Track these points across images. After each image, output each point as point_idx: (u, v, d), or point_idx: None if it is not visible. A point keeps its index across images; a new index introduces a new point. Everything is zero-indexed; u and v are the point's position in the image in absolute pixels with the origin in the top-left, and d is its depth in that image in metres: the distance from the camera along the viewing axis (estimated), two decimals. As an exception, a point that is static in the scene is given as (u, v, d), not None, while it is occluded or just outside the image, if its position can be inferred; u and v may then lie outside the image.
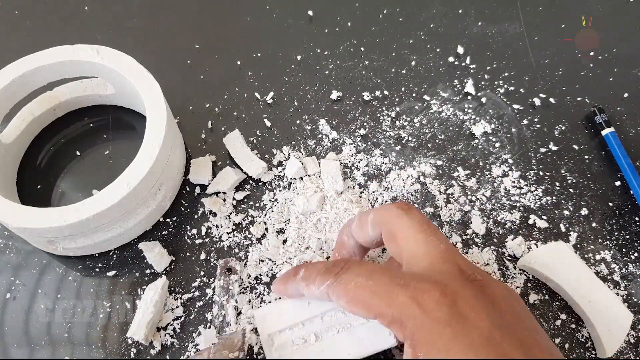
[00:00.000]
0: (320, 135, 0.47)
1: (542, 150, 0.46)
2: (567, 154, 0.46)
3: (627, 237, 0.42)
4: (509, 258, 0.41)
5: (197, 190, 0.44)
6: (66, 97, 0.47)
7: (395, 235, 0.32)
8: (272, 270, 0.40)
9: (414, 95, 0.50)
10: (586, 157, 0.46)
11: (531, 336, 0.27)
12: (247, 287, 0.40)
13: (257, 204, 0.43)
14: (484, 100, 0.49)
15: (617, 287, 0.40)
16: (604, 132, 0.46)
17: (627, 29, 0.54)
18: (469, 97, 0.50)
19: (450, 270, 0.29)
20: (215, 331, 0.37)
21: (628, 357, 0.37)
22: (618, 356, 0.37)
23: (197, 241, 0.42)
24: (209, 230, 0.42)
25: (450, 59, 0.52)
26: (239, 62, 0.52)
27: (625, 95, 0.50)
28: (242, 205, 0.43)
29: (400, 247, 0.31)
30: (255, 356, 0.37)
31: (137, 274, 0.41)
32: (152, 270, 0.40)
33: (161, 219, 0.43)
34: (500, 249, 0.42)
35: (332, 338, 0.33)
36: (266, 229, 0.42)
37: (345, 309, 0.31)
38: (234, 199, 0.43)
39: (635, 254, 0.41)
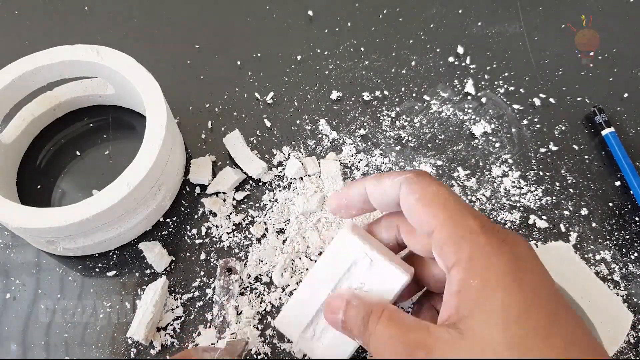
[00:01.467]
0: (320, 135, 0.47)
1: (542, 150, 0.46)
2: (567, 154, 0.46)
3: (627, 237, 0.42)
4: (509, 258, 0.41)
5: (197, 190, 0.44)
6: (66, 97, 0.47)
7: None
8: (271, 270, 0.40)
9: (414, 95, 0.50)
10: (586, 157, 0.46)
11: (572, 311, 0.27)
12: (247, 287, 0.40)
13: (257, 204, 0.43)
14: (484, 100, 0.49)
15: (617, 287, 0.40)
16: (604, 132, 0.46)
17: (627, 29, 0.54)
18: (469, 97, 0.50)
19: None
20: (216, 331, 0.38)
21: (628, 357, 0.37)
22: (618, 356, 0.37)
23: (197, 241, 0.42)
24: (209, 230, 0.42)
25: (450, 59, 0.52)
26: (239, 62, 0.52)
27: (625, 95, 0.50)
28: (242, 206, 0.43)
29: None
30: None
31: (137, 274, 0.41)
32: (152, 270, 0.40)
33: (161, 219, 0.43)
34: (500, 249, 0.41)
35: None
36: (266, 229, 0.42)
37: (409, 208, 0.29)
38: (234, 199, 0.43)
39: (635, 254, 0.41)
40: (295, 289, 0.39)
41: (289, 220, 0.42)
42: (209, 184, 0.44)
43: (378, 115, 0.49)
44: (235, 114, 0.49)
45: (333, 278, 0.32)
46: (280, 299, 0.39)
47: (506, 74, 0.51)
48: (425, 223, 0.28)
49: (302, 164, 0.44)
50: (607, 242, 0.42)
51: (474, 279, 0.25)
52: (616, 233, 0.42)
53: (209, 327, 0.38)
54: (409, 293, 0.35)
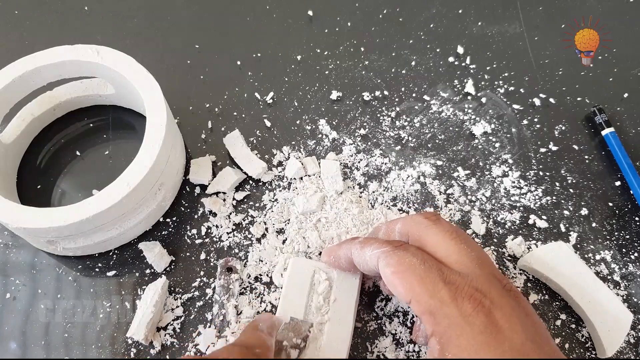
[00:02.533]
0: (320, 135, 0.47)
1: (542, 150, 0.46)
2: (567, 154, 0.46)
3: (627, 237, 0.42)
4: (509, 258, 0.41)
5: (197, 190, 0.44)
6: (66, 97, 0.47)
7: (424, 244, 0.32)
8: (271, 270, 0.40)
9: (414, 95, 0.50)
10: (586, 157, 0.46)
11: (557, 353, 0.28)
12: (247, 287, 0.40)
13: (257, 204, 0.43)
14: (484, 100, 0.49)
15: (617, 287, 0.40)
16: (604, 132, 0.46)
17: (627, 29, 0.54)
18: (469, 97, 0.50)
19: (487, 277, 0.30)
20: (216, 330, 0.38)
21: (628, 357, 0.37)
22: (618, 356, 0.37)
23: (197, 241, 0.42)
24: (209, 230, 0.42)
25: (450, 59, 0.52)
26: (239, 62, 0.52)
27: (625, 95, 0.50)
28: (242, 205, 0.43)
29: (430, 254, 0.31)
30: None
31: (137, 274, 0.41)
32: (152, 270, 0.40)
33: (161, 219, 0.43)
34: (500, 249, 0.42)
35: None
36: (266, 229, 0.42)
37: (387, 280, 0.31)
38: (234, 199, 0.43)
39: (635, 254, 0.41)
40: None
41: (289, 220, 0.42)
42: (209, 184, 0.44)
43: (378, 115, 0.49)
44: (235, 114, 0.49)
45: (301, 301, 0.36)
46: (277, 299, 0.39)
47: (506, 74, 0.51)
48: (403, 294, 0.30)
49: (302, 164, 0.44)
50: (607, 242, 0.42)
51: (448, 352, 0.27)
52: (616, 233, 0.42)
53: (209, 326, 0.38)
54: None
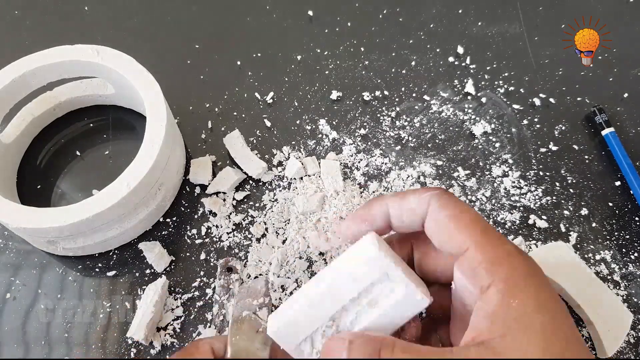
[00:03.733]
0: (320, 135, 0.47)
1: (542, 150, 0.46)
2: (567, 154, 0.46)
3: (627, 237, 0.42)
4: (509, 258, 0.41)
5: (197, 190, 0.44)
6: (66, 97, 0.47)
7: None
8: (269, 270, 0.40)
9: (414, 95, 0.50)
10: (586, 157, 0.46)
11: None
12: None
13: (257, 204, 0.43)
14: (484, 100, 0.49)
15: (617, 287, 0.40)
16: (604, 132, 0.46)
17: (627, 29, 0.54)
18: (469, 97, 0.50)
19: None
20: (216, 330, 0.38)
21: (628, 357, 0.37)
22: (618, 356, 0.37)
23: (197, 241, 0.42)
24: (209, 230, 0.42)
25: (450, 59, 0.52)
26: (239, 62, 0.52)
27: (625, 95, 0.50)
28: (242, 205, 0.43)
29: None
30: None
31: (137, 274, 0.40)
32: (152, 270, 0.40)
33: (161, 219, 0.43)
34: (500, 249, 0.41)
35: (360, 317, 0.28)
36: (266, 229, 0.42)
37: (439, 223, 0.28)
38: (234, 199, 0.43)
39: (635, 254, 0.41)
40: (294, 289, 0.39)
41: (289, 220, 0.42)
42: (209, 184, 0.44)
43: (378, 115, 0.49)
44: (235, 114, 0.49)
45: (343, 296, 0.28)
46: (280, 299, 0.39)
47: (506, 74, 0.51)
48: (458, 241, 0.27)
49: (302, 164, 0.44)
50: (607, 242, 0.42)
51: (514, 299, 0.24)
52: (616, 233, 0.42)
53: (209, 326, 0.38)
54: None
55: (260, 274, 0.40)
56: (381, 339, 0.27)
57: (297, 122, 0.48)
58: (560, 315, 0.25)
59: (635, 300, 0.39)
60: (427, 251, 0.31)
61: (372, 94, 0.50)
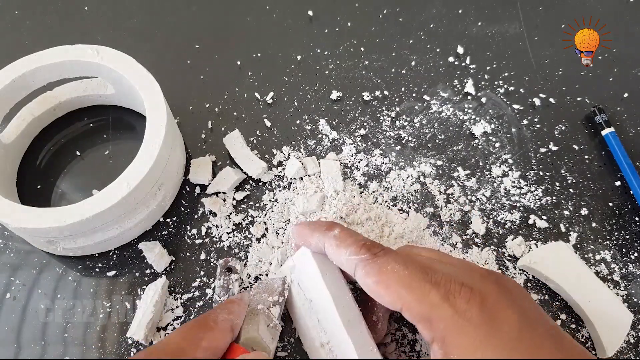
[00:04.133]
0: (320, 135, 0.47)
1: (542, 150, 0.46)
2: (567, 154, 0.46)
3: (627, 237, 0.42)
4: (509, 258, 0.41)
5: (197, 190, 0.44)
6: (66, 97, 0.47)
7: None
8: (269, 270, 0.40)
9: (414, 95, 0.50)
10: (586, 157, 0.46)
11: (555, 327, 0.28)
12: (247, 287, 0.40)
13: (257, 204, 0.43)
14: (484, 100, 0.49)
15: (617, 287, 0.40)
16: (604, 132, 0.46)
17: (627, 29, 0.54)
18: (469, 97, 0.50)
19: (464, 269, 0.29)
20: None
21: (628, 357, 0.37)
22: (618, 356, 0.37)
23: (197, 241, 0.42)
24: (209, 230, 0.42)
25: (450, 59, 0.52)
26: (239, 62, 0.52)
27: (625, 95, 0.50)
28: (242, 205, 0.43)
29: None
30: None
31: (137, 274, 0.40)
32: (152, 270, 0.40)
33: (161, 219, 0.43)
34: (500, 249, 0.42)
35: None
36: (266, 229, 0.42)
37: (368, 289, 0.30)
38: (234, 199, 0.43)
39: (635, 254, 0.41)
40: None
41: (289, 220, 0.42)
42: (209, 184, 0.44)
43: (378, 115, 0.48)
44: (235, 114, 0.49)
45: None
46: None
47: (506, 74, 0.51)
48: (391, 304, 0.29)
49: (302, 164, 0.44)
50: (607, 242, 0.42)
51: (452, 354, 0.27)
52: (616, 233, 0.42)
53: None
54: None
55: (260, 274, 0.40)
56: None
57: (297, 122, 0.48)
58: (504, 342, 0.26)
59: (635, 300, 0.39)
60: None
61: (372, 94, 0.50)
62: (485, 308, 0.27)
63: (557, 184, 0.45)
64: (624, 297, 0.39)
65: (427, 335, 0.28)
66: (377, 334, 0.34)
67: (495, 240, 0.42)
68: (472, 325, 0.27)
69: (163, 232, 0.42)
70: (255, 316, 0.33)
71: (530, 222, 0.43)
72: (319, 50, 0.53)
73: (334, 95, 0.49)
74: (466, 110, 0.49)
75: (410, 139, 0.47)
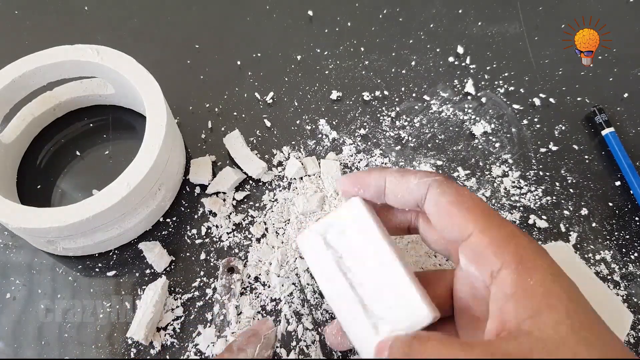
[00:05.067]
0: (320, 135, 0.47)
1: (542, 150, 0.46)
2: (567, 154, 0.46)
3: (627, 237, 0.42)
4: (509, 258, 0.41)
5: (197, 190, 0.44)
6: (66, 97, 0.47)
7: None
8: (269, 270, 0.40)
9: (414, 95, 0.50)
10: (586, 157, 0.46)
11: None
12: (247, 287, 0.40)
13: (257, 204, 0.43)
14: (484, 100, 0.49)
15: (617, 287, 0.40)
16: (604, 132, 0.46)
17: (627, 29, 0.54)
18: (469, 97, 0.50)
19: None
20: (216, 330, 0.38)
21: (628, 357, 0.37)
22: (618, 356, 0.37)
23: (197, 241, 0.42)
24: (209, 230, 0.42)
25: (450, 59, 0.52)
26: (239, 62, 0.52)
27: (625, 95, 0.50)
28: (242, 205, 0.43)
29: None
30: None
31: (137, 274, 0.40)
32: (152, 270, 0.40)
33: (161, 219, 0.43)
34: (500, 249, 0.41)
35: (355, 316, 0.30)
36: (266, 229, 0.42)
37: (440, 208, 0.28)
38: (234, 199, 0.43)
39: (635, 254, 0.41)
40: (292, 291, 0.39)
41: (288, 220, 0.42)
42: (209, 184, 0.44)
43: (378, 115, 0.49)
44: (235, 114, 0.49)
45: (336, 276, 0.31)
46: (280, 299, 0.39)
47: (506, 74, 0.51)
48: (461, 227, 0.27)
49: (302, 164, 0.44)
50: (607, 242, 0.42)
51: (530, 277, 0.24)
52: (616, 233, 0.42)
53: (209, 326, 0.38)
54: None
55: (260, 274, 0.40)
56: (413, 336, 0.27)
57: (297, 122, 0.48)
58: (575, 288, 0.25)
59: (635, 300, 0.39)
60: (429, 227, 0.31)
61: (372, 94, 0.50)
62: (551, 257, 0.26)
63: (557, 184, 0.45)
64: (624, 297, 0.39)
65: (493, 263, 0.25)
66: (344, 340, 0.33)
67: (495, 240, 0.42)
68: (549, 261, 0.25)
69: (163, 232, 0.42)
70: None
71: (530, 222, 0.43)
72: (319, 50, 0.53)
73: (334, 95, 0.49)
74: (466, 110, 0.49)
75: (410, 139, 0.47)
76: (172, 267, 0.41)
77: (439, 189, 0.28)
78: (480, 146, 0.47)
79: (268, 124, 0.48)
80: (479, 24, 0.54)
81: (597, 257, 0.41)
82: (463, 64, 0.52)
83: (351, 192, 0.32)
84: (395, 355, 0.27)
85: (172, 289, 0.40)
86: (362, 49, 0.53)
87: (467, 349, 0.24)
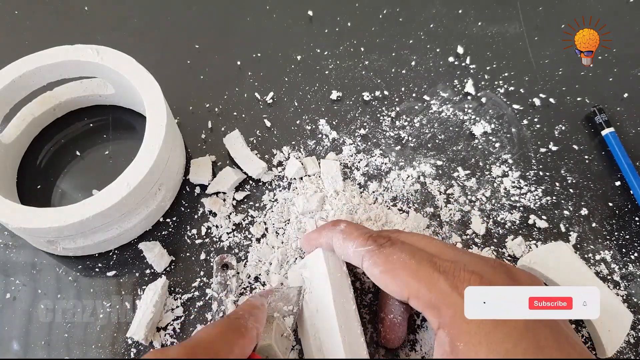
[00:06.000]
0: (320, 135, 0.47)
1: (542, 150, 0.46)
2: (567, 154, 0.46)
3: (627, 237, 0.42)
4: (509, 258, 0.41)
5: (197, 190, 0.44)
6: (66, 97, 0.47)
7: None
8: (269, 270, 0.40)
9: (414, 95, 0.50)
10: (586, 157, 0.46)
11: (558, 324, 0.28)
12: (247, 287, 0.40)
13: (257, 204, 0.43)
14: (484, 100, 0.49)
15: (617, 287, 0.40)
16: (604, 132, 0.46)
17: (627, 29, 0.54)
18: (469, 97, 0.50)
19: (474, 259, 0.30)
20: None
21: (628, 357, 0.37)
22: (618, 356, 0.37)
23: (197, 241, 0.42)
24: (209, 230, 0.42)
25: (450, 59, 0.52)
26: (239, 62, 0.52)
27: (625, 95, 0.50)
28: (242, 206, 0.43)
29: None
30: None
31: (137, 274, 0.40)
32: (152, 270, 0.40)
33: (161, 219, 0.43)
34: (500, 249, 0.42)
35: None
36: (266, 229, 0.42)
37: (376, 279, 0.30)
38: (234, 199, 0.43)
39: (635, 254, 0.41)
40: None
41: (289, 220, 0.42)
42: (209, 184, 0.44)
43: (378, 115, 0.49)
44: (235, 114, 0.49)
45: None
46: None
47: (506, 74, 0.51)
48: (398, 293, 0.29)
49: (302, 164, 0.44)
50: (607, 242, 0.42)
51: (459, 341, 0.27)
52: (616, 233, 0.42)
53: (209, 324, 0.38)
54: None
55: (259, 274, 0.40)
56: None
57: (297, 122, 0.48)
58: (504, 345, 0.26)
59: (635, 300, 0.39)
60: None
61: (372, 94, 0.50)
62: None
63: (557, 184, 0.45)
64: (624, 297, 0.39)
65: (434, 322, 0.28)
66: (396, 336, 0.35)
67: (495, 240, 0.42)
68: (478, 321, 0.27)
69: (163, 232, 0.42)
70: (270, 324, 0.33)
71: (530, 222, 0.43)
72: (319, 50, 0.53)
73: (334, 95, 0.49)
74: (466, 110, 0.49)
75: (410, 139, 0.47)
76: (172, 267, 0.41)
77: (370, 261, 0.30)
78: (480, 146, 0.47)
79: (268, 124, 0.48)
80: (479, 24, 0.54)
81: (597, 257, 0.41)
82: (463, 64, 0.52)
83: (309, 251, 0.36)
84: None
85: (172, 289, 0.40)
86: (362, 49, 0.53)
87: None
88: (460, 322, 0.27)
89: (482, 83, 0.50)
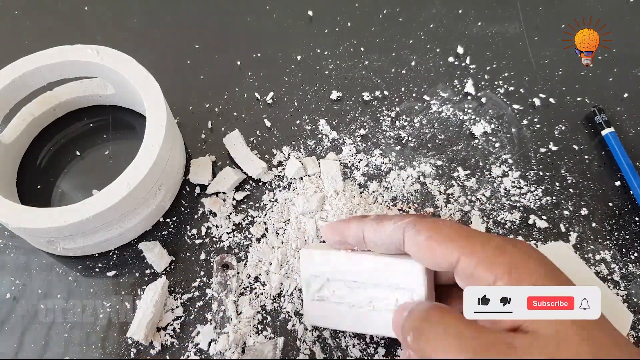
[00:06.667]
0: (320, 135, 0.47)
1: (542, 150, 0.46)
2: (567, 154, 0.46)
3: (627, 237, 0.42)
4: (509, 258, 0.41)
5: (197, 190, 0.44)
6: (66, 97, 0.47)
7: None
8: (269, 270, 0.40)
9: (414, 95, 0.50)
10: (586, 157, 0.46)
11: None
12: (247, 287, 0.40)
13: (257, 204, 0.43)
14: (483, 100, 0.49)
15: (617, 287, 0.40)
16: (604, 132, 0.46)
17: (627, 29, 0.54)
18: (469, 97, 0.50)
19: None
20: (216, 327, 0.38)
21: (628, 357, 0.37)
22: (618, 356, 0.37)
23: (197, 241, 0.42)
24: (209, 230, 0.42)
25: (450, 59, 0.52)
26: (239, 62, 0.52)
27: (625, 95, 0.50)
28: (242, 206, 0.43)
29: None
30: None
31: (137, 274, 0.41)
32: (152, 270, 0.40)
33: (161, 219, 0.43)
34: (500, 249, 0.41)
35: (368, 313, 0.33)
36: (266, 229, 0.42)
37: (421, 247, 0.29)
38: (234, 199, 0.43)
39: (635, 254, 0.41)
40: (293, 290, 0.39)
41: (288, 220, 0.42)
42: (209, 184, 0.44)
43: (378, 115, 0.49)
44: (235, 114, 0.49)
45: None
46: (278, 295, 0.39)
47: (506, 74, 0.51)
48: (445, 258, 0.28)
49: (302, 164, 0.44)
50: (607, 242, 0.42)
51: (523, 279, 0.26)
52: (616, 233, 0.42)
53: (210, 324, 0.38)
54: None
55: (259, 274, 0.40)
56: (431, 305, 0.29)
57: (297, 122, 0.48)
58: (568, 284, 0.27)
59: (635, 300, 0.39)
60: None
61: (372, 94, 0.50)
62: (543, 256, 0.27)
63: (557, 184, 0.45)
64: (624, 297, 0.39)
65: (487, 279, 0.26)
66: None
67: (495, 240, 0.42)
68: (539, 264, 0.27)
69: (163, 232, 0.42)
70: None
71: (530, 222, 0.43)
72: (319, 50, 0.53)
73: (334, 95, 0.49)
74: (466, 110, 0.49)
75: (410, 139, 0.47)
76: (172, 267, 0.41)
77: (414, 229, 0.29)
78: (480, 146, 0.47)
79: (268, 124, 0.48)
80: (479, 24, 0.54)
81: (597, 257, 0.41)
82: (463, 64, 0.52)
83: (333, 241, 0.34)
84: (414, 322, 0.28)
85: (172, 289, 0.40)
86: (362, 49, 0.53)
87: (479, 330, 0.26)
88: (523, 266, 0.26)
89: (482, 83, 0.50)
